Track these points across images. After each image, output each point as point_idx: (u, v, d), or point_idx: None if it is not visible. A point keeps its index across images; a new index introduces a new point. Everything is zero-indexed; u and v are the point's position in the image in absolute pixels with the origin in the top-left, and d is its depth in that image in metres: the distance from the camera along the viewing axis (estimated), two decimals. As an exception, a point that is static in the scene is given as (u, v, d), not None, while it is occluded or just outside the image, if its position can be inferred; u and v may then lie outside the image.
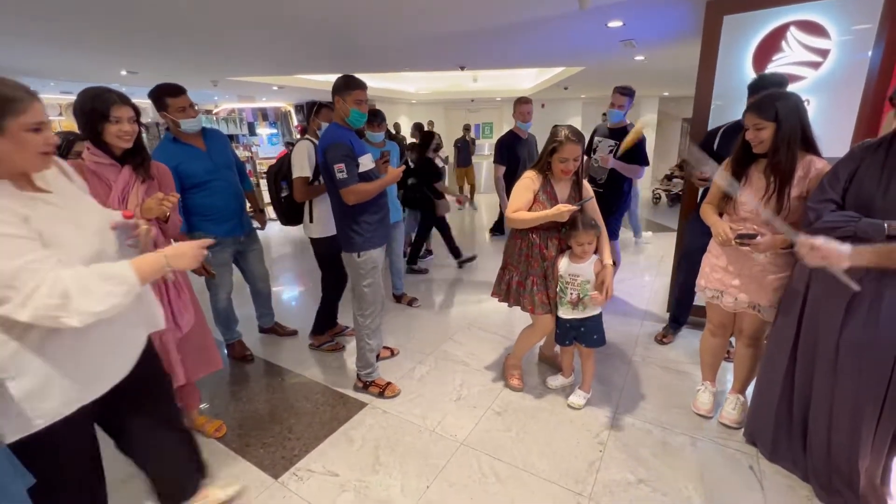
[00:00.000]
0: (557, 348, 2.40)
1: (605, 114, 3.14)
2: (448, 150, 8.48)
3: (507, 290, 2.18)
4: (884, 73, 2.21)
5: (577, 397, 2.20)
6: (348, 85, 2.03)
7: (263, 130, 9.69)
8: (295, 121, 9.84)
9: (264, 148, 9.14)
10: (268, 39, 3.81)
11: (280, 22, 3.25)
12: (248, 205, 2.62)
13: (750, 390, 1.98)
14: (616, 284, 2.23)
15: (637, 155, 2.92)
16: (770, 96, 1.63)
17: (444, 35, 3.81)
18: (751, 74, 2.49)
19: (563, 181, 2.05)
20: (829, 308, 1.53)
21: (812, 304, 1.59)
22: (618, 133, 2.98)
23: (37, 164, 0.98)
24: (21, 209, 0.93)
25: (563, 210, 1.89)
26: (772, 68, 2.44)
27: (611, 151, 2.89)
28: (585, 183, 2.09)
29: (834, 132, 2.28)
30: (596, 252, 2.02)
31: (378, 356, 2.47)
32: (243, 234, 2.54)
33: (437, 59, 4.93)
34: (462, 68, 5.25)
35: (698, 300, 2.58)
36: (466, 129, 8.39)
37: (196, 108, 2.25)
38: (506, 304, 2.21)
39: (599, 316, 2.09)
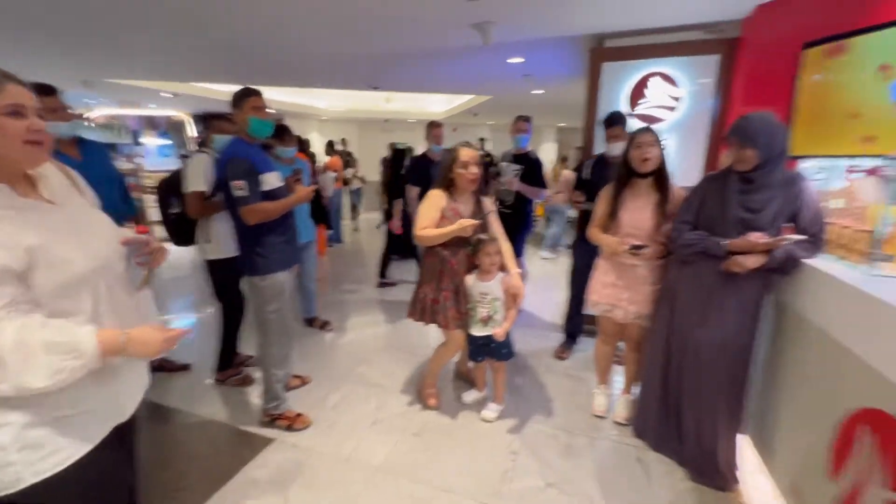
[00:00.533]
0: (471, 364, 2.48)
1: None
2: (372, 169, 8.43)
3: (422, 308, 2.19)
4: (721, 118, 2.73)
5: (490, 411, 2.28)
6: (244, 93, 1.96)
7: (152, 140, 8.68)
8: (193, 131, 8.99)
9: (153, 159, 8.18)
10: (156, 42, 3.48)
11: (172, 24, 2.99)
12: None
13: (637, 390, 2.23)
14: (534, 297, 2.38)
15: (537, 178, 3.19)
16: (648, 128, 1.97)
17: (355, 55, 3.83)
18: (625, 110, 2.90)
19: (466, 197, 2.14)
20: (690, 313, 1.81)
21: (678, 310, 1.86)
22: (521, 158, 3.23)
23: (23, 156, 0.85)
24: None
25: (465, 224, 1.97)
26: (639, 110, 2.87)
27: (516, 175, 3.12)
28: (485, 199, 2.23)
29: (688, 165, 2.74)
30: (502, 269, 2.14)
31: (287, 386, 2.32)
32: None
33: (349, 78, 4.92)
34: (375, 88, 5.29)
35: (589, 310, 2.87)
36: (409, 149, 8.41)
37: (72, 110, 1.97)
38: (421, 323, 2.23)
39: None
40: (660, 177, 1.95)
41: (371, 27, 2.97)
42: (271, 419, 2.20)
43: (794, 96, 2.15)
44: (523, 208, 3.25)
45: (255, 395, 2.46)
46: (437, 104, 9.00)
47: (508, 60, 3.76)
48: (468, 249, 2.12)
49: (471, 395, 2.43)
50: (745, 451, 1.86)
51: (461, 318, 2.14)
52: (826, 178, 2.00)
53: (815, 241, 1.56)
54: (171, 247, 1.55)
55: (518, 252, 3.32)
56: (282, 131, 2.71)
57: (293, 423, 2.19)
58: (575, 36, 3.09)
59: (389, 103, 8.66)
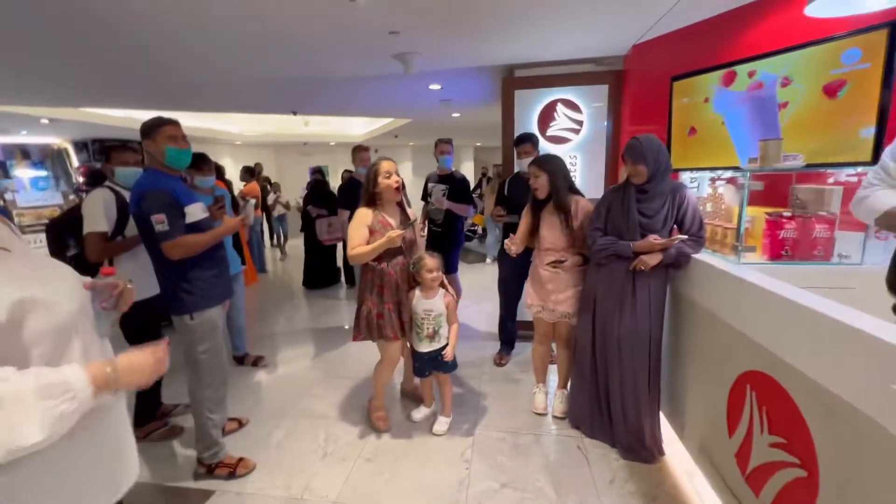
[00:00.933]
0: (417, 381, 2.53)
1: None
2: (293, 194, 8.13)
3: (367, 325, 2.18)
4: (615, 137, 3.16)
5: (441, 425, 2.33)
6: (157, 123, 1.85)
7: (24, 172, 7.53)
8: (75, 161, 7.96)
9: (27, 195, 7.10)
10: (45, 64, 3.10)
11: (64, 44, 2.70)
12: None
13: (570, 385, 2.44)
14: (460, 311, 2.49)
15: (464, 196, 3.38)
16: (544, 156, 2.21)
17: (275, 81, 3.76)
18: (537, 133, 3.22)
19: (392, 209, 2.21)
20: (608, 308, 2.06)
21: (599, 307, 2.11)
22: (447, 178, 3.40)
23: None
24: None
25: (392, 236, 2.02)
26: (550, 132, 3.21)
27: (444, 194, 3.28)
28: (409, 209, 2.34)
29: (593, 179, 3.11)
30: (442, 286, 2.24)
31: (223, 431, 2.16)
32: None
33: (267, 103, 4.78)
34: (294, 113, 5.20)
35: (522, 317, 3.10)
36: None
37: None
38: (361, 347, 2.24)
39: None
40: (556, 200, 2.20)
41: (294, 55, 2.97)
42: (208, 469, 2.03)
43: (669, 119, 2.57)
44: (453, 226, 3.41)
45: (184, 446, 2.25)
46: (358, 127, 9.02)
47: (429, 87, 3.96)
48: (411, 269, 2.20)
49: (420, 413, 2.46)
50: (665, 425, 2.13)
51: (402, 329, 2.20)
52: (697, 186, 2.42)
53: (698, 240, 1.89)
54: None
55: (452, 268, 3.48)
56: (199, 160, 2.57)
57: (235, 468, 2.04)
58: (488, 66, 3.37)
59: (308, 126, 8.48)
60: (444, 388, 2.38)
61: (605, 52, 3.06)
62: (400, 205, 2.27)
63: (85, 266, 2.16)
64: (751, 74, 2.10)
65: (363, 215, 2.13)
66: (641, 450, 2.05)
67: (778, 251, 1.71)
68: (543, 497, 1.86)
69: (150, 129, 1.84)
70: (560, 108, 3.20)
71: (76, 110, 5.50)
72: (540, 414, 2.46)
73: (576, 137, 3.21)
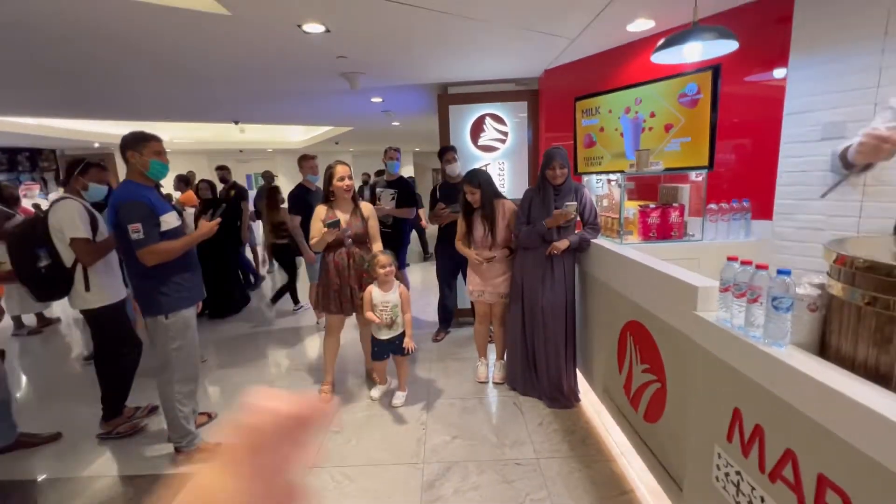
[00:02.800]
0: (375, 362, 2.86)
1: (384, 169, 3.88)
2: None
3: (316, 302, 2.66)
4: (535, 146, 3.71)
5: (398, 398, 2.68)
6: (144, 137, 2.02)
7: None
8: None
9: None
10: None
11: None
12: None
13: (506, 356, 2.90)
14: (414, 300, 2.85)
15: (411, 198, 3.75)
16: (475, 172, 2.65)
17: (219, 95, 3.88)
18: (469, 143, 3.69)
19: (346, 205, 2.60)
20: (533, 287, 2.54)
21: (526, 286, 2.58)
22: (395, 183, 3.75)
23: None
24: None
25: (324, 234, 2.45)
26: (480, 142, 3.70)
27: (392, 199, 3.62)
28: (364, 205, 2.69)
29: (518, 182, 3.63)
30: (396, 278, 2.59)
31: (195, 424, 2.34)
32: None
33: (208, 114, 4.82)
34: (237, 123, 5.25)
35: (463, 305, 3.57)
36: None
37: None
38: (313, 341, 2.56)
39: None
40: (483, 212, 2.66)
41: (244, 77, 3.17)
42: (188, 456, 2.21)
43: (575, 131, 3.14)
44: (401, 226, 3.77)
45: (150, 442, 2.40)
46: (296, 133, 9.04)
47: (372, 100, 4.29)
48: (365, 268, 2.56)
49: (377, 391, 2.79)
50: (580, 378, 2.66)
51: (348, 303, 2.60)
52: (602, 185, 3.00)
53: (595, 227, 2.43)
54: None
55: (401, 265, 3.83)
56: (91, 167, 2.59)
57: (213, 453, 2.24)
58: (425, 84, 3.78)
59: (244, 133, 8.37)
60: (401, 368, 2.72)
61: (524, 74, 3.60)
62: (355, 201, 2.66)
63: (60, 274, 2.26)
64: (637, 101, 2.69)
65: (319, 211, 2.58)
66: (562, 399, 2.55)
67: (647, 233, 2.29)
68: (487, 442, 2.28)
69: (137, 142, 2.00)
70: (488, 121, 3.69)
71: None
72: (483, 382, 2.90)
73: (502, 146, 3.72)
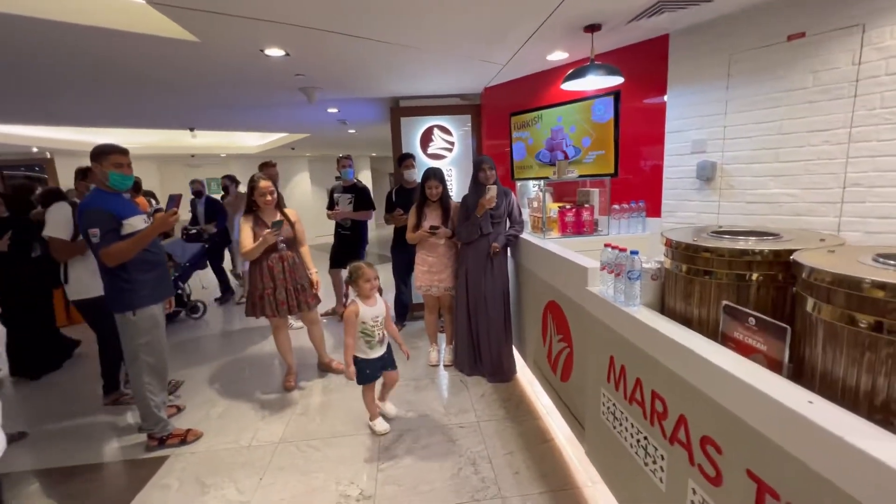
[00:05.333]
0: (336, 363, 3.15)
1: (338, 175, 4.16)
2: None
3: (252, 306, 2.82)
4: (479, 154, 4.13)
5: (391, 408, 2.59)
6: (105, 150, 2.20)
7: None
8: None
9: None
10: None
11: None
12: None
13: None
14: None
15: (367, 203, 4.05)
16: (437, 170, 3.00)
17: (174, 105, 4.00)
18: (419, 151, 4.05)
19: (270, 214, 2.80)
20: (476, 276, 2.93)
21: (470, 276, 2.97)
22: (351, 188, 4.04)
23: None
24: None
25: (266, 235, 2.63)
26: (430, 151, 4.08)
27: (350, 203, 3.91)
28: (288, 210, 2.92)
29: (463, 187, 4.03)
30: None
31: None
32: None
33: (161, 121, 4.87)
34: (191, 129, 5.31)
35: (417, 300, 3.91)
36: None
37: None
38: (264, 341, 2.82)
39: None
40: (442, 201, 3.04)
41: (203, 92, 3.35)
42: (160, 441, 2.40)
43: (511, 142, 3.59)
44: (359, 229, 4.06)
45: (125, 433, 2.57)
46: (252, 139, 9.02)
47: (328, 110, 4.55)
48: (348, 280, 2.36)
49: (380, 425, 2.44)
50: (515, 355, 3.09)
51: (283, 306, 2.81)
52: (538, 188, 3.45)
53: (521, 226, 2.86)
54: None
55: (359, 264, 4.12)
56: None
57: (185, 437, 2.44)
58: (379, 97, 4.11)
59: (196, 138, 8.26)
60: (394, 384, 2.52)
61: (467, 90, 4.02)
62: (279, 207, 2.88)
63: (48, 264, 2.63)
64: (559, 119, 3.17)
65: (246, 221, 2.76)
66: (501, 374, 2.96)
67: (565, 230, 2.75)
68: (436, 412, 2.64)
69: (99, 155, 2.19)
70: (436, 131, 4.07)
71: None
72: (434, 365, 3.26)
73: (450, 154, 4.12)
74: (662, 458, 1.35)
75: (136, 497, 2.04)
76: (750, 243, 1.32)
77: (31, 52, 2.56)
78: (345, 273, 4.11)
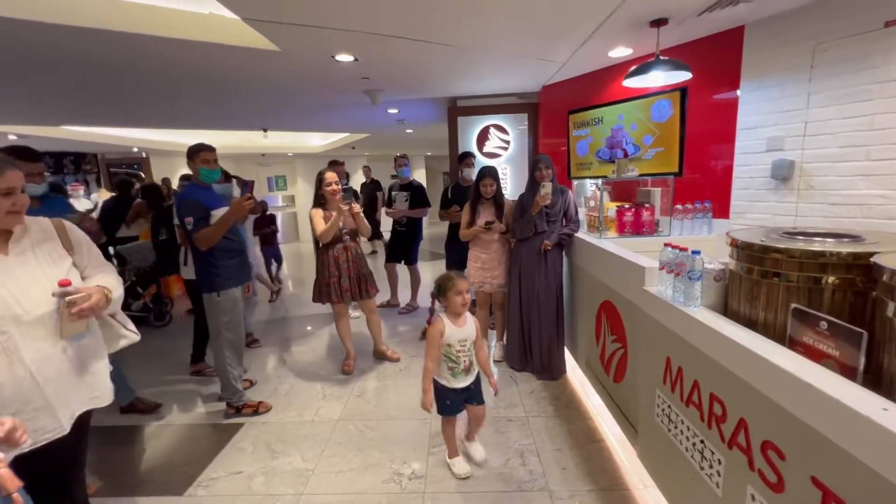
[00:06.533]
0: (390, 351, 3.30)
1: (394, 174, 4.34)
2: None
3: (319, 293, 3.04)
4: (535, 153, 4.12)
5: (479, 452, 2.13)
6: (196, 149, 2.54)
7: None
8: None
9: None
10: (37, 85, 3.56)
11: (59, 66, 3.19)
12: None
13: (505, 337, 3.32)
14: (425, 295, 3.29)
15: (422, 200, 4.19)
16: (492, 168, 3.06)
17: (251, 108, 4.39)
18: (475, 149, 4.12)
19: (335, 204, 2.87)
20: (529, 273, 2.95)
21: (522, 274, 3.00)
22: (407, 186, 4.20)
23: (3, 223, 1.16)
24: None
25: (343, 208, 2.79)
26: (486, 150, 4.14)
27: (406, 201, 4.07)
28: (352, 203, 3.00)
29: (518, 186, 4.05)
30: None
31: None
32: None
33: (240, 123, 5.35)
34: (265, 130, 5.77)
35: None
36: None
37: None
38: (326, 327, 2.99)
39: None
40: (496, 199, 3.09)
41: (278, 95, 3.66)
42: (237, 410, 2.68)
43: (568, 141, 3.55)
44: (414, 225, 4.21)
45: (207, 402, 2.88)
46: (316, 139, 9.57)
47: (388, 111, 4.76)
48: (431, 294, 2.07)
49: (461, 467, 2.05)
50: (567, 354, 3.07)
51: (347, 293, 2.98)
52: (596, 187, 3.40)
53: (577, 224, 2.84)
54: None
55: (413, 260, 4.28)
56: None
57: (257, 408, 2.71)
58: (437, 97, 4.24)
59: (267, 139, 8.93)
60: (480, 422, 2.12)
61: (524, 89, 4.03)
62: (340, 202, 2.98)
63: (172, 247, 3.23)
64: (620, 117, 3.10)
65: (316, 213, 2.94)
66: (551, 371, 2.96)
67: (622, 230, 2.69)
68: (487, 405, 2.70)
69: (191, 153, 2.52)
70: (493, 130, 4.12)
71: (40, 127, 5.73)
72: (484, 360, 3.31)
73: (505, 153, 4.16)
74: (720, 463, 1.32)
75: (217, 455, 2.30)
76: (827, 245, 1.26)
77: (131, 63, 2.94)
78: (400, 268, 4.31)
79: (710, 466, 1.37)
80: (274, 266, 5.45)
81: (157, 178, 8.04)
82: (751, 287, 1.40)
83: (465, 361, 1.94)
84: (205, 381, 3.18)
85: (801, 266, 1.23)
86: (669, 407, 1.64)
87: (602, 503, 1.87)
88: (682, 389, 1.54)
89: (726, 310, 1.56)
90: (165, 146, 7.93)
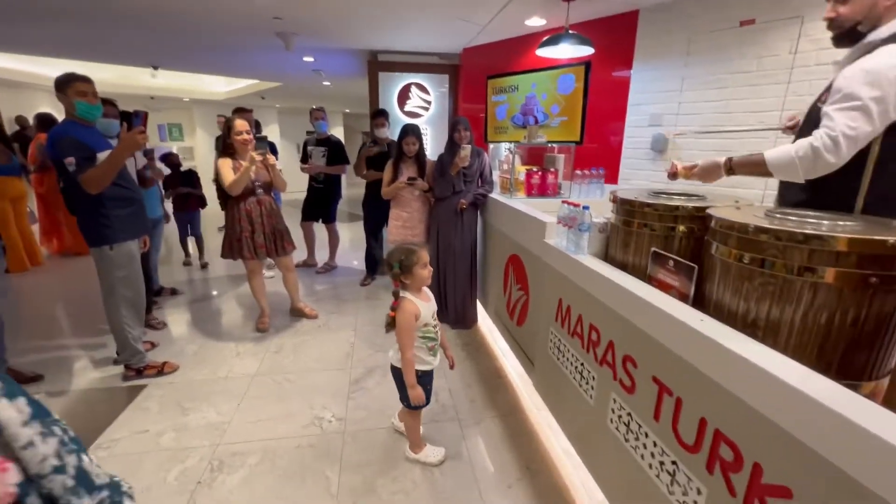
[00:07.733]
0: (308, 308, 3.29)
1: (310, 130, 4.13)
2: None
3: (230, 248, 2.89)
4: (455, 114, 4.22)
5: (437, 451, 1.92)
6: (68, 79, 2.17)
7: None
8: None
9: None
10: None
11: None
12: None
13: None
14: (343, 255, 3.29)
15: (340, 156, 4.09)
16: (414, 126, 3.08)
17: (140, 37, 3.80)
18: (396, 108, 4.09)
19: (246, 153, 2.76)
20: (446, 232, 3.11)
21: (440, 232, 3.15)
22: (324, 142, 4.05)
23: None
24: None
25: (256, 159, 2.68)
26: (406, 109, 4.12)
27: (323, 156, 3.93)
28: (268, 156, 2.86)
29: (438, 147, 4.13)
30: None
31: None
32: None
33: (123, 54, 4.60)
34: (154, 67, 5.04)
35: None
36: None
37: None
38: (237, 287, 2.89)
39: None
40: (418, 157, 3.15)
41: (172, 23, 3.21)
42: (138, 372, 2.51)
43: (486, 105, 3.69)
44: (333, 182, 4.11)
45: (104, 369, 2.65)
46: (219, 84, 8.58)
47: (304, 59, 4.44)
48: (392, 273, 1.75)
49: (436, 453, 1.92)
50: (479, 306, 3.34)
51: (262, 249, 2.90)
52: (506, 151, 3.61)
53: (491, 186, 3.04)
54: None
55: (332, 218, 4.21)
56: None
57: (161, 368, 2.56)
58: (357, 49, 4.06)
59: (156, 78, 7.77)
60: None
61: (446, 50, 4.05)
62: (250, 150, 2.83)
63: None
64: (533, 85, 3.29)
65: (225, 163, 2.77)
66: (464, 322, 3.22)
67: (530, 191, 2.96)
68: (403, 353, 2.87)
69: (62, 83, 2.15)
70: (414, 89, 4.11)
71: None
72: (403, 314, 3.47)
73: (426, 113, 4.19)
74: (594, 379, 1.63)
75: (117, 418, 2.17)
76: (679, 201, 1.56)
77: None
78: (317, 227, 4.22)
79: (587, 383, 1.68)
80: (192, 243, 4.45)
81: (4, 116, 6.63)
82: (625, 236, 1.68)
83: (439, 335, 1.86)
84: (94, 344, 2.89)
85: (661, 217, 1.53)
86: (560, 339, 1.94)
87: (503, 426, 2.17)
88: (570, 323, 1.83)
89: (606, 256, 1.86)
90: (13, 75, 6.51)
